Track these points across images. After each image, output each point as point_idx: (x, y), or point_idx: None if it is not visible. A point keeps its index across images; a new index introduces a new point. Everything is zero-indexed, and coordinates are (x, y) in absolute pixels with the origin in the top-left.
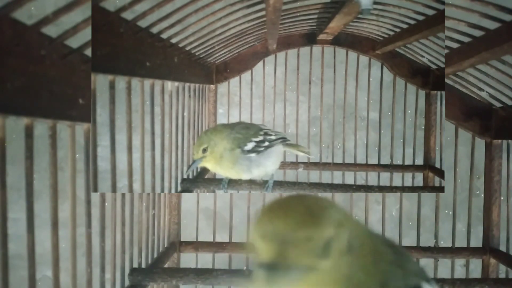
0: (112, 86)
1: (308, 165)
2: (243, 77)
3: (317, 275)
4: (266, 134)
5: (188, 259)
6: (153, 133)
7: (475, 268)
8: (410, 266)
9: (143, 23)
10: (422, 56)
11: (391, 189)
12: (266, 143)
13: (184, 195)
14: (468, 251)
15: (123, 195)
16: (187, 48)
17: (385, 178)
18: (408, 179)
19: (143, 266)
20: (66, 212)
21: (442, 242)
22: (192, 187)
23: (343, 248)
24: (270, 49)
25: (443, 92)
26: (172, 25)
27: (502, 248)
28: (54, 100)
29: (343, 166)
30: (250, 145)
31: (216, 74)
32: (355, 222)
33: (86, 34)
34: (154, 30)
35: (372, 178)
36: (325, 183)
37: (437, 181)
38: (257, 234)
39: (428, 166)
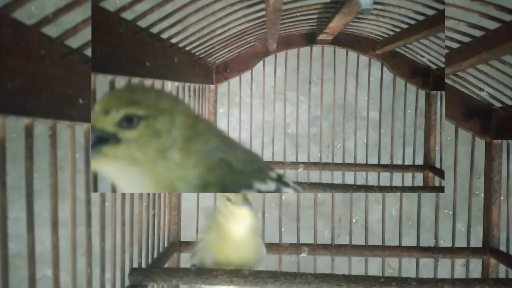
0: (112, 86)
1: (308, 165)
2: (243, 77)
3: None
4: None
5: (188, 259)
6: None
7: (475, 268)
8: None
9: (143, 23)
10: (422, 56)
11: (391, 189)
12: None
13: (184, 195)
14: (468, 251)
15: (123, 195)
16: (187, 48)
17: (385, 178)
18: (408, 179)
19: (143, 266)
20: (66, 211)
21: (442, 242)
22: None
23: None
24: (270, 49)
25: (443, 92)
26: (172, 25)
27: (502, 248)
28: (54, 100)
29: (343, 166)
30: None
31: (216, 74)
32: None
33: (86, 34)
34: (154, 30)
35: (372, 178)
36: (325, 183)
37: (437, 181)
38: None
39: (428, 166)
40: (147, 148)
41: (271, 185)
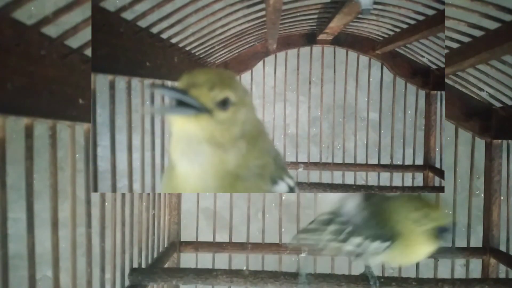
0: (112, 86)
1: (308, 165)
2: (243, 77)
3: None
4: None
5: (188, 259)
6: (153, 133)
7: (475, 268)
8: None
9: (143, 23)
10: (422, 56)
11: (391, 189)
12: None
13: (184, 195)
14: (468, 251)
15: (123, 195)
16: (187, 48)
17: (385, 178)
18: (408, 179)
19: (143, 266)
20: (66, 212)
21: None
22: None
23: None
24: (270, 49)
25: (443, 92)
26: (172, 25)
27: (502, 248)
28: (54, 100)
29: (343, 166)
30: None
31: None
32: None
33: (86, 34)
34: (154, 30)
35: (372, 178)
36: (325, 183)
37: (437, 181)
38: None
39: (428, 166)
40: (227, 132)
41: (291, 181)
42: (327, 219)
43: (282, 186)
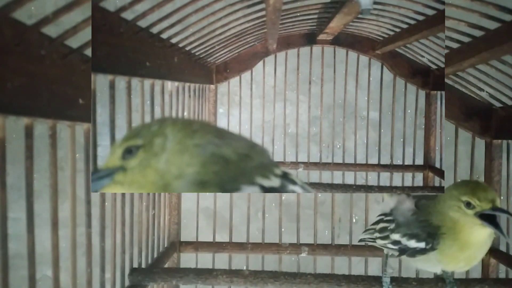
0: (112, 86)
1: (308, 165)
2: (243, 77)
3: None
4: None
5: (188, 259)
6: None
7: (475, 268)
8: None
9: (143, 23)
10: (422, 56)
11: (391, 189)
12: None
13: (184, 195)
14: None
15: (123, 195)
16: (187, 48)
17: (385, 178)
18: (408, 179)
19: (143, 266)
20: (66, 212)
21: None
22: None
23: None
24: (270, 49)
25: (443, 92)
26: (172, 25)
27: (502, 248)
28: (54, 100)
29: (343, 166)
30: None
31: (216, 74)
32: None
33: (86, 34)
34: (154, 30)
35: (372, 178)
36: (325, 183)
37: (437, 181)
38: None
39: (428, 166)
40: (147, 169)
41: (275, 181)
42: (379, 219)
43: (250, 189)
